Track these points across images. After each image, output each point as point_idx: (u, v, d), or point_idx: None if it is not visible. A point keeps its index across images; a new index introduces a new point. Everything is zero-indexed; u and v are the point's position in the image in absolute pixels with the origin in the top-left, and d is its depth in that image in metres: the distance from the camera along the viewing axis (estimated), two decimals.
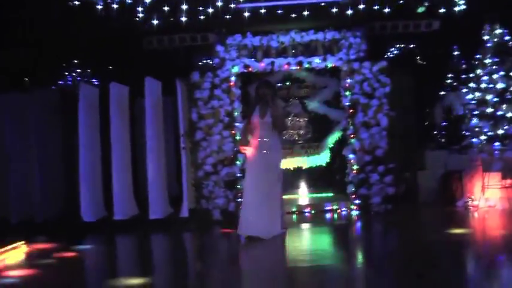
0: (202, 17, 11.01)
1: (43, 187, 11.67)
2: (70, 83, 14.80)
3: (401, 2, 11.14)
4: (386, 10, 11.12)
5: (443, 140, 13.25)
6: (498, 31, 11.55)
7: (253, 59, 11.45)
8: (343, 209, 11.39)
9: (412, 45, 14.71)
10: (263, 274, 7.10)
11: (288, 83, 13.30)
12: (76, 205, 10.91)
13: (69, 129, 11.48)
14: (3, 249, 8.42)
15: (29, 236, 9.40)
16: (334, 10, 11.17)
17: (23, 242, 8.93)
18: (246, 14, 10.90)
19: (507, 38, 11.54)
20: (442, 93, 13.53)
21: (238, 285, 6.85)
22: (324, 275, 6.86)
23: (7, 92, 11.93)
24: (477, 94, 11.63)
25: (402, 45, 14.66)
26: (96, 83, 14.37)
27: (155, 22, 10.84)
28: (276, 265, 7.68)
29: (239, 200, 10.48)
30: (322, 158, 12.56)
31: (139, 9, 10.63)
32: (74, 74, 14.81)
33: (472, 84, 11.84)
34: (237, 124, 11.11)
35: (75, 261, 8.36)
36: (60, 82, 14.53)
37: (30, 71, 13.57)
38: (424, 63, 14.48)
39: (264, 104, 9.00)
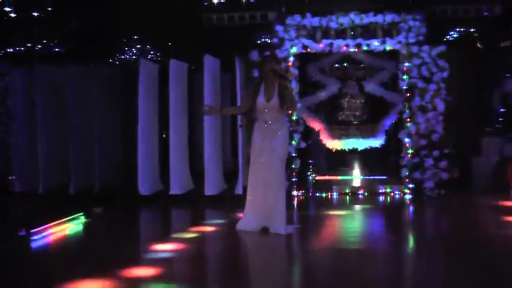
0: None
1: (102, 159, 11.97)
2: (130, 57, 15.05)
3: None
4: None
5: (499, 127, 13.10)
6: None
7: (311, 40, 11.49)
8: (396, 192, 11.44)
9: (472, 29, 14.49)
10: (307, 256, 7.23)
11: (345, 64, 13.24)
12: (133, 178, 11.13)
13: (129, 104, 11.70)
14: (63, 219, 8.65)
15: (87, 207, 9.60)
16: None
17: (81, 213, 9.18)
18: None
19: None
20: (502, 79, 13.34)
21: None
22: (373, 257, 6.97)
23: (70, 64, 12.20)
24: None
25: (462, 29, 14.46)
26: (155, 58, 14.58)
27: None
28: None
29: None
30: (378, 141, 12.49)
31: None
32: (133, 49, 15.03)
33: None
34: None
35: None
36: (121, 57, 14.78)
37: (91, 43, 13.82)
38: (485, 47, 14.27)
39: (271, 82, 7.79)
